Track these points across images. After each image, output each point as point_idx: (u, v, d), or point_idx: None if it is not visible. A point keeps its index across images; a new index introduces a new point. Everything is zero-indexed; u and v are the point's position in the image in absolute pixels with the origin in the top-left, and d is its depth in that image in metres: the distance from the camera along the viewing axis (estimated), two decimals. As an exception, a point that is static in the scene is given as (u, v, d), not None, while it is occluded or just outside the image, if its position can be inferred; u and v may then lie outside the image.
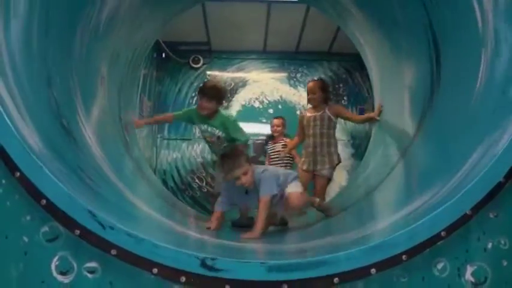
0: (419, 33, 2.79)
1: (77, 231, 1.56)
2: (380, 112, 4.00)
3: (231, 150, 3.17)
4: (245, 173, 2.95)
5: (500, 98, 1.75)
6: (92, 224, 1.56)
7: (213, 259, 1.56)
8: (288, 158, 5.08)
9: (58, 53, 2.19)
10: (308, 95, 4.08)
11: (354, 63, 6.95)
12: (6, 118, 1.54)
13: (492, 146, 1.66)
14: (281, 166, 4.87)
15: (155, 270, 1.55)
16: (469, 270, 1.62)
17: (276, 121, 5.40)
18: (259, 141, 6.91)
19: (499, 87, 1.79)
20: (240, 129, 3.84)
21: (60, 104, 2.10)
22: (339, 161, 4.05)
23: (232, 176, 2.96)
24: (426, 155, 2.55)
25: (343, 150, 6.77)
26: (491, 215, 1.63)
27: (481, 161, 1.66)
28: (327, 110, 4.00)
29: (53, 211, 1.56)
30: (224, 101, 4.17)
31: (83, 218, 1.56)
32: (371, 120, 4.23)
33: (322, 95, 4.02)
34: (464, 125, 2.03)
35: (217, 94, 3.66)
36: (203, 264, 1.56)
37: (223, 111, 3.83)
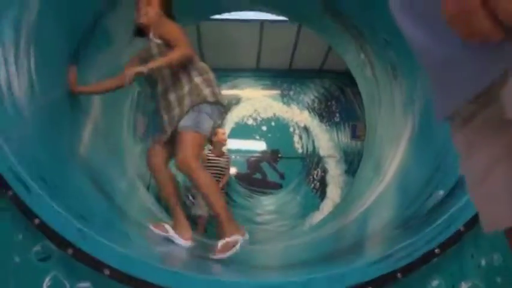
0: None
1: (70, 251, 1.54)
2: None
3: None
4: None
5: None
6: (84, 244, 1.54)
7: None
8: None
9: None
10: None
11: (346, 80, 7.01)
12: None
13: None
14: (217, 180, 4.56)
15: (148, 290, 1.53)
16: (464, 287, 1.62)
17: (222, 130, 5.15)
18: (254, 159, 6.92)
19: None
20: None
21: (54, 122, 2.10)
22: None
23: None
24: (418, 168, 2.57)
25: (336, 167, 6.79)
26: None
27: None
28: None
29: (46, 230, 1.54)
30: None
31: (76, 237, 1.55)
32: None
33: None
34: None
35: None
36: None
37: None
